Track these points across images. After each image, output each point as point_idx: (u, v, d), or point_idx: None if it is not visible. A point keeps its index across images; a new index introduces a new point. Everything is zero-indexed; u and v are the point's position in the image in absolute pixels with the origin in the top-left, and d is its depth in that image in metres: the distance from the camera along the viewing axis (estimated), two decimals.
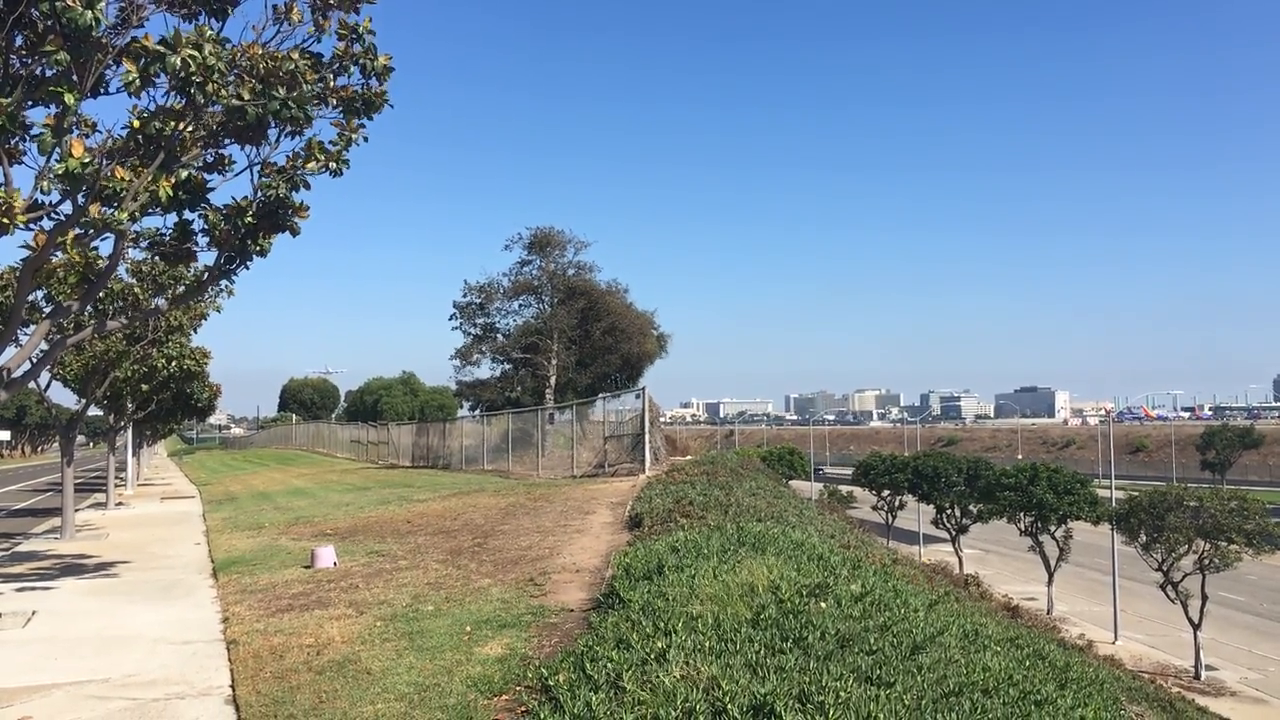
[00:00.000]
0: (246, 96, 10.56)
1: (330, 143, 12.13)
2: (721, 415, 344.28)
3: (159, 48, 9.69)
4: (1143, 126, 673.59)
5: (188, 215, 12.15)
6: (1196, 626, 36.18)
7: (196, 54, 9.69)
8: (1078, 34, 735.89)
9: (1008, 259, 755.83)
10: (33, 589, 14.99)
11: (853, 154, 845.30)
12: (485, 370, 48.77)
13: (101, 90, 10.75)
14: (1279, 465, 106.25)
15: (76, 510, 26.03)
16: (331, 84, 11.93)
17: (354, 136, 12.23)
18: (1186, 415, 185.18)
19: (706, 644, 7.45)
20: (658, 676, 6.78)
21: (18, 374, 12.09)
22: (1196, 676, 34.73)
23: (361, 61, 11.91)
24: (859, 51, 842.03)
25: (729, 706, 6.16)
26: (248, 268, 12.89)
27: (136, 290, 19.04)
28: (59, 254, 12.58)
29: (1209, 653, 36.51)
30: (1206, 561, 37.30)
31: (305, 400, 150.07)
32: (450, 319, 47.73)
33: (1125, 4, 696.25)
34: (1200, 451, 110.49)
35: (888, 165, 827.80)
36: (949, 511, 57.06)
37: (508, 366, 47.66)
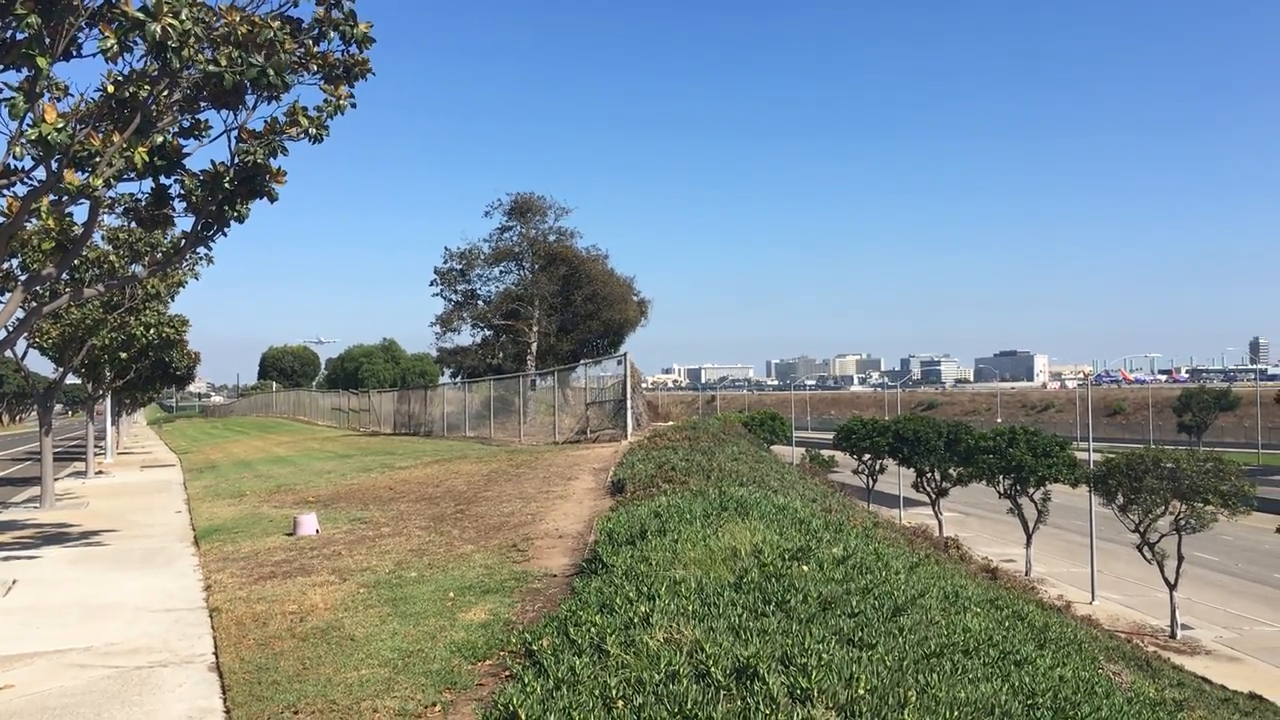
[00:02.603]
0: (223, 63, 10.41)
1: (316, 108, 11.99)
2: (703, 381, 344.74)
3: (139, 14, 9.54)
4: (1118, 93, 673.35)
5: (164, 181, 12.02)
6: (1172, 587, 36.63)
7: (175, 22, 9.55)
8: (1062, 5, 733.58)
9: (987, 224, 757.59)
10: (13, 558, 14.92)
11: (833, 120, 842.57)
12: (466, 337, 48.74)
13: (74, 53, 10.59)
14: (1254, 427, 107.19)
15: (56, 479, 25.89)
16: (312, 50, 11.79)
17: (342, 104, 12.09)
18: (1164, 378, 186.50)
19: (690, 608, 7.49)
20: (641, 640, 6.81)
21: None
22: (1172, 635, 35.20)
23: (341, 28, 11.76)
24: (840, 19, 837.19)
25: (712, 669, 6.20)
26: (225, 234, 12.78)
27: (113, 257, 18.86)
28: (33, 221, 12.43)
29: (1184, 612, 37.00)
30: (1183, 522, 37.71)
31: (286, 368, 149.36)
32: (431, 285, 47.60)
33: None
34: (1177, 414, 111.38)
35: (868, 132, 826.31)
36: (929, 475, 57.42)
37: (489, 333, 47.59)
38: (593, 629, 7.23)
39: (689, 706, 5.66)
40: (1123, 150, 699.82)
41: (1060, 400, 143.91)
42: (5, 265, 15.25)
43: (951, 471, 55.68)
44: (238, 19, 10.56)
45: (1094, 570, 41.90)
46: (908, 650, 6.71)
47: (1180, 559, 37.07)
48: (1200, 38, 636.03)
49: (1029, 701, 6.08)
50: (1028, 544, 46.73)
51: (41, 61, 9.42)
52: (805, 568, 8.69)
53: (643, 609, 7.51)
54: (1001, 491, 50.11)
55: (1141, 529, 38.82)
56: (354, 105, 12.15)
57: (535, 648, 7.23)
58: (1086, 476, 44.69)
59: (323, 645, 8.46)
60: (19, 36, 9.68)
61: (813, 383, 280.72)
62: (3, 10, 9.59)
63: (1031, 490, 48.14)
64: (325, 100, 11.97)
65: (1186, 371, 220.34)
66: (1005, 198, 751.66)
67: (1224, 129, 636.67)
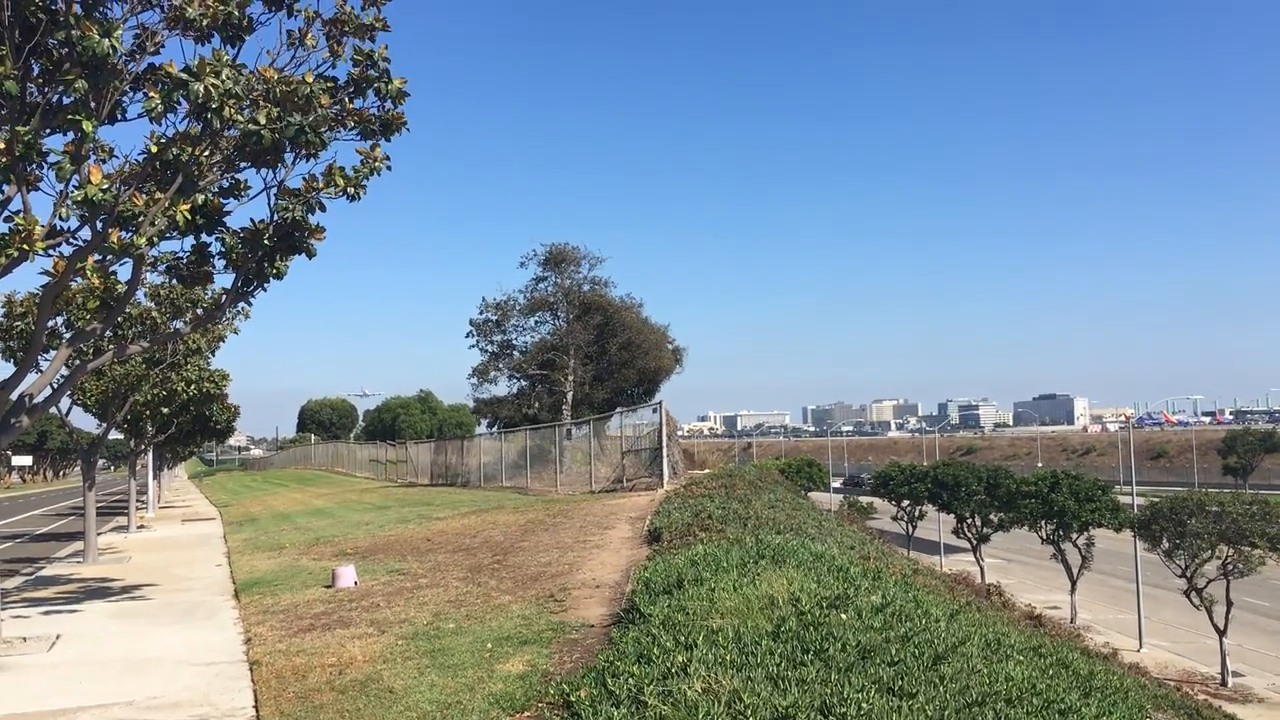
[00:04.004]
0: (263, 121, 10.64)
1: (352, 169, 12.23)
2: (739, 428, 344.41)
3: (183, 75, 9.80)
4: (1156, 128, 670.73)
5: (205, 239, 12.25)
6: (1221, 633, 35.87)
7: (218, 81, 9.80)
8: (1092, 36, 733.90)
9: (1023, 266, 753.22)
10: (57, 613, 15.08)
11: (865, 163, 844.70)
12: (502, 387, 48.91)
13: (119, 116, 10.87)
14: None
15: (99, 534, 26.16)
16: (349, 106, 12.04)
17: (377, 166, 12.31)
18: (1207, 420, 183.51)
19: (727, 657, 7.45)
20: (679, 690, 6.78)
21: (39, 400, 12.19)
22: (1223, 683, 34.40)
23: (376, 85, 12.01)
24: (866, 60, 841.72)
25: (751, 719, 6.16)
26: (265, 289, 12.97)
27: (155, 314, 19.18)
28: (78, 280, 12.70)
29: (1235, 659, 36.19)
30: (1230, 567, 36.96)
31: (324, 420, 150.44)
32: (467, 336, 47.92)
33: (1131, 8, 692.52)
34: (1222, 456, 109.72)
35: (899, 173, 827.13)
36: (969, 521, 56.72)
37: (524, 383, 47.75)
38: (630, 679, 7.20)
39: None
40: (1160, 187, 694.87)
41: (1102, 443, 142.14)
42: (51, 323, 15.55)
43: (992, 517, 54.97)
44: (276, 78, 10.81)
45: (1141, 616, 41.12)
46: (949, 699, 6.64)
47: (1229, 604, 36.33)
48: (1246, 69, 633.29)
49: None
50: (1072, 590, 45.97)
51: (87, 125, 9.67)
52: (844, 616, 8.62)
53: (680, 659, 7.48)
54: (1044, 537, 49.40)
55: (1188, 574, 38.09)
56: (389, 168, 12.37)
57: (573, 699, 7.21)
58: (1130, 521, 43.97)
59: (362, 698, 8.48)
60: (65, 100, 9.96)
61: (849, 428, 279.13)
62: (50, 75, 9.89)
63: (1074, 536, 47.42)
64: (361, 161, 12.19)
65: (1231, 413, 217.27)
66: (1041, 239, 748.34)
67: (1260, 164, 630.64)
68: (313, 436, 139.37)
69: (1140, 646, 39.36)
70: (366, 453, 77.30)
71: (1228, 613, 36.18)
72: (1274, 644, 40.97)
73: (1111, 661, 19.69)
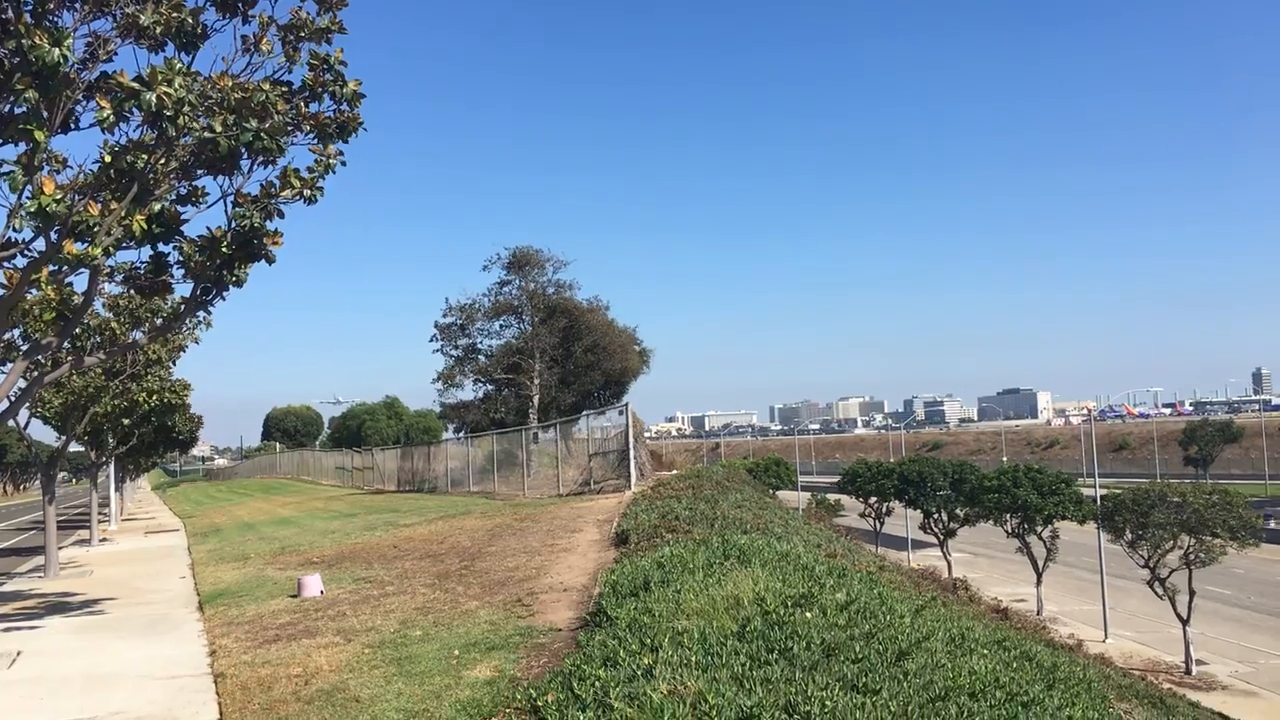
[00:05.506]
0: (218, 128, 10.56)
1: (307, 169, 12.14)
2: (707, 428, 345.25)
3: (134, 84, 9.70)
4: (1113, 120, 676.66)
5: (162, 248, 12.12)
6: (1185, 622, 36.36)
7: (170, 90, 9.70)
8: (1050, 30, 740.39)
9: (984, 262, 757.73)
10: (18, 629, 14.87)
11: (826, 161, 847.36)
12: (468, 392, 48.79)
13: (72, 125, 10.75)
14: (1260, 458, 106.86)
15: (60, 548, 25.82)
16: (304, 110, 11.96)
17: (331, 163, 12.24)
18: (1168, 411, 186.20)
19: (693, 658, 7.47)
20: (645, 693, 6.79)
21: None
22: (1187, 671, 34.88)
23: (331, 89, 11.94)
24: (829, 57, 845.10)
25: None
26: (224, 298, 12.87)
27: (114, 325, 18.97)
28: (34, 291, 12.54)
29: (1199, 647, 36.69)
30: (1192, 556, 37.51)
31: (289, 428, 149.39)
32: (431, 340, 47.71)
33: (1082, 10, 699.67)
34: (1183, 447, 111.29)
35: (862, 171, 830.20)
36: (936, 516, 57.18)
37: (490, 387, 47.65)
38: (597, 683, 7.21)
39: None
40: (1117, 181, 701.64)
41: (1065, 437, 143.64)
42: (7, 336, 15.35)
43: (958, 512, 55.48)
44: (230, 85, 10.72)
45: (1105, 607, 41.60)
46: (912, 695, 6.69)
47: (1191, 593, 36.84)
48: (1194, 61, 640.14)
49: None
50: (1038, 583, 46.43)
51: (39, 135, 9.56)
52: (808, 614, 8.67)
53: (646, 661, 7.49)
54: (1009, 531, 49.89)
55: (1151, 564, 38.61)
56: (344, 163, 12.29)
57: (540, 704, 7.21)
58: (1094, 513, 44.49)
59: (328, 708, 8.43)
60: (17, 111, 9.84)
61: (816, 427, 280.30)
62: (1, 86, 9.76)
63: (1039, 528, 47.91)
64: (316, 160, 12.12)
65: (1190, 404, 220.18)
66: (1001, 234, 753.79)
67: (1217, 159, 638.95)
68: (278, 445, 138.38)
69: (1105, 637, 39.83)
70: (332, 460, 76.92)
71: (1190, 602, 36.68)
72: (1237, 632, 41.57)
73: (1076, 653, 19.90)
